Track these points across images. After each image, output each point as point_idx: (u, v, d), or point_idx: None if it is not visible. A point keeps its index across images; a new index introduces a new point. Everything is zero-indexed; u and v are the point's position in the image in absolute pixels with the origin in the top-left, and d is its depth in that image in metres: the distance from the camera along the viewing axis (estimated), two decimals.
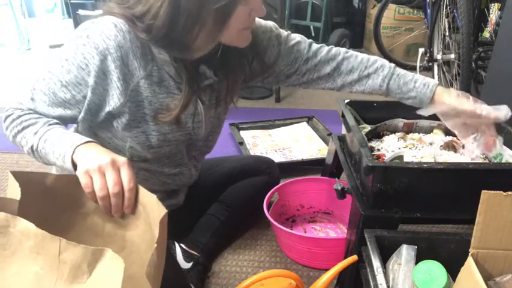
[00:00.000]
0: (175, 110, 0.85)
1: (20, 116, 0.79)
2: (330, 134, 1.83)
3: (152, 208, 0.66)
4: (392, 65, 0.97)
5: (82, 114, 0.82)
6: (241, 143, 1.80)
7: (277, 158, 1.68)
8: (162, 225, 0.60)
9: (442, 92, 0.93)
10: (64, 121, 0.84)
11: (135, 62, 0.80)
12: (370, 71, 0.96)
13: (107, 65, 0.77)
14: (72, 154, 0.70)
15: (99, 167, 0.66)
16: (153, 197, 0.65)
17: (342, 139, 1.18)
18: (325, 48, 0.99)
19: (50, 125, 0.78)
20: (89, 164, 0.66)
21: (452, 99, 0.92)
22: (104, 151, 0.70)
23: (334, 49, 0.99)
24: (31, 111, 0.81)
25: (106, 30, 0.76)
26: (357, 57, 0.98)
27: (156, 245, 0.55)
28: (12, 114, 0.80)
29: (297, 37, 0.99)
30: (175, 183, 1.03)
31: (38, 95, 0.80)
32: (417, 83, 0.94)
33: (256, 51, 0.94)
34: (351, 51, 1.00)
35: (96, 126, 0.89)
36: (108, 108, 0.82)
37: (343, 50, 0.99)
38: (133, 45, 0.78)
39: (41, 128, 0.77)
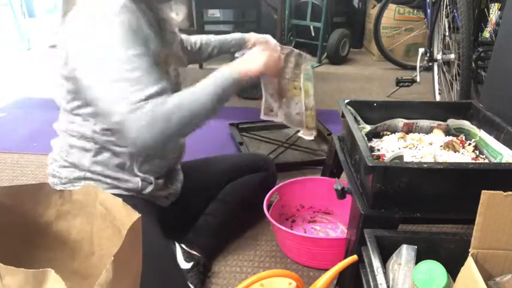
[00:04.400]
0: (163, 53, 0.97)
1: (167, 101, 0.83)
2: (330, 134, 1.83)
3: (119, 211, 0.66)
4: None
5: None
6: (241, 143, 1.80)
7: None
8: (132, 232, 0.57)
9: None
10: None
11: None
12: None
13: (139, 19, 0.89)
14: (238, 70, 0.94)
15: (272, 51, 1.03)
16: (119, 200, 0.66)
17: (342, 139, 1.18)
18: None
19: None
20: (264, 54, 1.00)
21: None
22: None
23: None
24: (162, 91, 0.84)
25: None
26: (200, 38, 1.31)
27: (113, 258, 0.52)
28: (157, 104, 0.81)
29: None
30: (172, 149, 1.08)
31: (144, 79, 0.83)
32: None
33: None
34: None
35: None
36: (149, 52, 0.89)
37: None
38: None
39: (197, 90, 0.89)
